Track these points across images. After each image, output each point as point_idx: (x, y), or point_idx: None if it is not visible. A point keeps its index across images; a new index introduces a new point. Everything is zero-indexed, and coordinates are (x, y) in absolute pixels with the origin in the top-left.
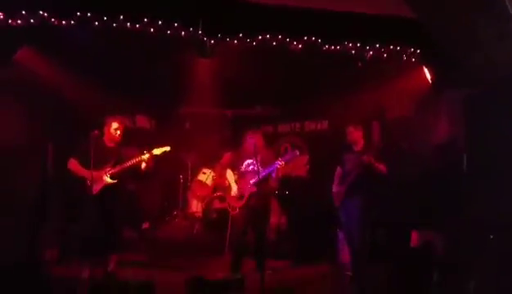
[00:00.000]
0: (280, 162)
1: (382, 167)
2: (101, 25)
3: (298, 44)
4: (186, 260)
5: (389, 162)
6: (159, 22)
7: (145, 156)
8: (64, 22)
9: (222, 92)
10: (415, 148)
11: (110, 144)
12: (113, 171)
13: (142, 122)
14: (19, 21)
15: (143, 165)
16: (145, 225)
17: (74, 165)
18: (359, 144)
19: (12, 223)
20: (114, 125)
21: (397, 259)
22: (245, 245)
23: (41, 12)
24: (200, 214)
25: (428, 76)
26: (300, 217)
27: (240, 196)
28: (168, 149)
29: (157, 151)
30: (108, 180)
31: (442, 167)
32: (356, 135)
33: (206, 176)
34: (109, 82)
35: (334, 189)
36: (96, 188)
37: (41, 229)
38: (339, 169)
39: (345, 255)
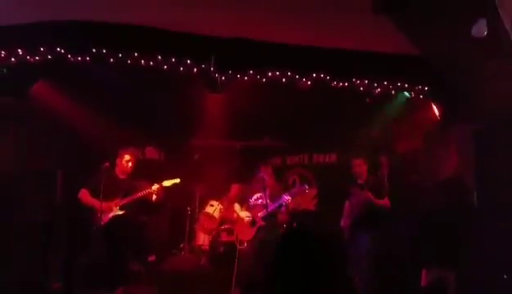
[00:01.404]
0: (287, 197)
1: (385, 203)
2: (115, 62)
3: (307, 81)
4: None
5: (395, 195)
6: (173, 59)
7: (155, 187)
8: (80, 58)
9: (231, 125)
10: (424, 182)
11: (122, 176)
12: (123, 202)
13: (152, 153)
14: (37, 57)
15: (154, 197)
16: (152, 258)
17: (84, 195)
18: (363, 177)
19: (20, 250)
20: (127, 157)
21: None
22: (253, 280)
23: (58, 49)
24: (207, 247)
25: (437, 112)
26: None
27: (252, 222)
28: (177, 181)
29: (167, 183)
30: (117, 211)
31: (452, 202)
32: (361, 168)
33: (214, 209)
34: (120, 114)
35: (343, 222)
36: (105, 219)
37: (48, 259)
38: (347, 203)
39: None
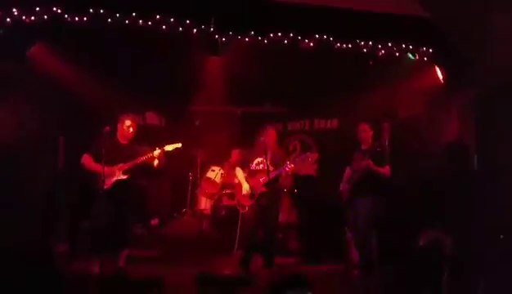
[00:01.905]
0: (290, 165)
1: (384, 171)
2: (113, 22)
3: (309, 42)
4: (195, 256)
5: (396, 160)
6: (171, 19)
7: (157, 152)
8: (77, 18)
9: (231, 90)
10: (426, 147)
11: (123, 141)
12: (125, 166)
13: (152, 119)
14: (32, 18)
15: (156, 162)
16: (154, 222)
17: (87, 160)
18: (367, 143)
19: (24, 216)
20: (127, 122)
21: (406, 258)
22: (254, 242)
23: (54, 9)
24: (209, 211)
25: (440, 75)
26: (309, 215)
27: (251, 194)
28: (179, 145)
29: (169, 147)
30: (120, 175)
31: (452, 167)
32: (367, 133)
33: (215, 174)
34: (119, 79)
35: (342, 187)
36: (108, 183)
37: (52, 224)
38: (348, 168)
39: (354, 253)
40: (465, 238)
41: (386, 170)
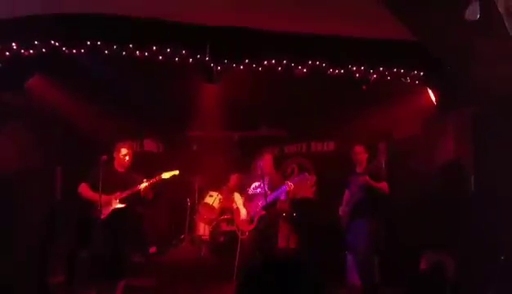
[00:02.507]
0: (289, 185)
1: (383, 186)
2: (110, 53)
3: (303, 68)
4: (194, 284)
5: (393, 181)
6: (168, 50)
7: (143, 185)
8: (74, 51)
9: (228, 115)
10: (423, 168)
11: (120, 170)
12: (122, 195)
13: (150, 146)
14: (31, 51)
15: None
16: (153, 250)
17: (84, 189)
18: (362, 166)
19: (20, 247)
20: (124, 151)
21: (408, 282)
22: (253, 268)
23: (52, 42)
24: (208, 237)
25: (433, 97)
26: (308, 239)
27: (250, 219)
28: (176, 172)
29: (166, 175)
30: (117, 204)
31: (450, 187)
32: (361, 156)
33: (213, 199)
34: (117, 107)
35: (341, 211)
36: (105, 212)
37: (49, 254)
38: (346, 191)
39: (355, 277)
40: (467, 259)
41: (383, 185)
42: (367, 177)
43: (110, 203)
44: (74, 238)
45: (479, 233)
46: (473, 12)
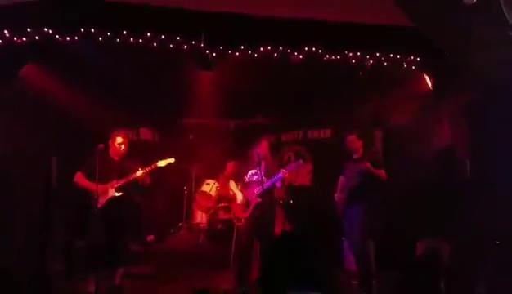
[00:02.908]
0: (284, 173)
1: (381, 173)
2: (104, 40)
3: (298, 55)
4: (191, 272)
5: (389, 167)
6: (162, 36)
7: (140, 173)
8: (68, 38)
9: (224, 103)
10: (418, 154)
11: (115, 158)
12: (118, 184)
13: (146, 134)
14: (24, 38)
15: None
16: (150, 238)
17: (80, 178)
18: (358, 152)
19: (18, 237)
20: (119, 139)
21: (403, 267)
22: (251, 255)
23: (45, 29)
24: (205, 225)
25: (429, 83)
26: (305, 226)
27: (246, 204)
28: (172, 160)
29: (162, 163)
30: (113, 193)
31: (445, 173)
32: (354, 143)
33: (210, 187)
34: (112, 95)
35: (337, 197)
36: (102, 201)
37: (46, 243)
38: (341, 177)
39: (351, 263)
40: (461, 244)
41: (382, 172)
42: (368, 164)
43: (106, 192)
44: (71, 227)
45: (475, 219)
46: None
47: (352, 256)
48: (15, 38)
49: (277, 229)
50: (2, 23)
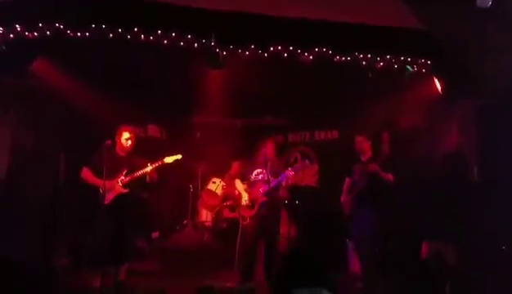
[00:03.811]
0: (289, 173)
1: (389, 177)
2: (115, 37)
3: (309, 55)
4: (196, 269)
5: (398, 171)
6: (173, 34)
7: (148, 168)
8: (79, 34)
9: (232, 102)
10: (426, 158)
11: (122, 154)
12: (125, 180)
13: (153, 131)
14: (35, 33)
15: (147, 178)
16: (156, 234)
17: (87, 174)
18: (366, 154)
19: (25, 231)
20: (126, 135)
21: (408, 270)
22: (256, 254)
23: (57, 24)
24: (210, 223)
25: (439, 86)
26: (310, 227)
27: (251, 204)
28: (179, 157)
29: (168, 159)
30: (121, 189)
31: (453, 177)
32: (363, 145)
33: (216, 186)
34: (120, 92)
35: (343, 198)
36: (109, 197)
37: (53, 238)
38: (348, 179)
39: (356, 265)
40: (467, 248)
41: (390, 176)
42: (377, 166)
43: (113, 188)
44: (78, 222)
45: (481, 223)
46: (485, 0)
47: (357, 258)
48: (26, 33)
49: (283, 229)
50: (14, 17)
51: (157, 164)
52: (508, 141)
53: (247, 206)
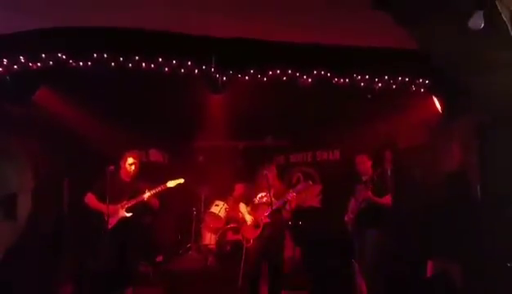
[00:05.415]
0: (292, 194)
1: (385, 200)
2: (116, 66)
3: (307, 78)
4: (200, 292)
5: (399, 190)
6: (173, 61)
7: (147, 195)
8: (81, 63)
9: (233, 125)
10: (428, 177)
11: (126, 179)
12: (129, 204)
13: (155, 155)
14: (38, 64)
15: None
16: (159, 258)
17: (91, 199)
18: (367, 174)
19: (28, 258)
20: (130, 160)
21: (414, 289)
22: (260, 276)
23: (59, 55)
24: (214, 246)
25: (438, 105)
26: (315, 248)
27: (255, 226)
28: (181, 181)
29: (171, 183)
30: (124, 213)
31: (455, 196)
32: (364, 165)
33: (219, 208)
34: (122, 117)
35: (347, 217)
36: (112, 222)
37: (56, 265)
38: (352, 199)
39: (362, 286)
40: (472, 267)
41: (386, 200)
42: (370, 193)
43: (116, 213)
44: (81, 248)
45: (485, 241)
46: (477, 21)
47: (363, 278)
48: (30, 64)
49: (288, 252)
50: (18, 49)
51: (160, 189)
52: (509, 157)
53: (251, 227)
